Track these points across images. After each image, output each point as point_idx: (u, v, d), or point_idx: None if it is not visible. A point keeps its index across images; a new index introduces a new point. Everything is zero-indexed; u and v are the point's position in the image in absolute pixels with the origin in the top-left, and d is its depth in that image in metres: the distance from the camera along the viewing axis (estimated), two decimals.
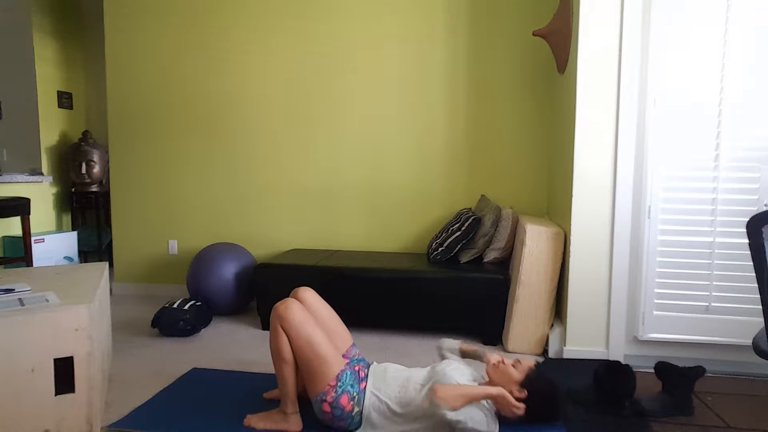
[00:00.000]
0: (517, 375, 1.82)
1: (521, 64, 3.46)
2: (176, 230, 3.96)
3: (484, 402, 1.76)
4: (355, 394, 1.83)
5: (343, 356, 2.00)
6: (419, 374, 1.89)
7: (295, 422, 1.90)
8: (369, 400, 1.83)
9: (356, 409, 1.82)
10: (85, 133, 4.61)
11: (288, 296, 2.23)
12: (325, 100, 3.69)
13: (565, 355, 2.66)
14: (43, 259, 4.00)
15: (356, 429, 1.85)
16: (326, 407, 1.82)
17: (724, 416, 2.06)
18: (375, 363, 2.01)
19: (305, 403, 2.05)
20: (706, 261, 2.49)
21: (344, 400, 1.81)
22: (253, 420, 1.92)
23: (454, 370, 1.83)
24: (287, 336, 1.85)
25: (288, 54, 3.71)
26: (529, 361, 1.89)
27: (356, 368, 1.91)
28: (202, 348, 2.81)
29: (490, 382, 1.86)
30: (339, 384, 1.82)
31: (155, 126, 3.93)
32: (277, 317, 1.86)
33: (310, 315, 1.91)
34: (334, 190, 3.73)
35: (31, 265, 3.47)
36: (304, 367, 1.85)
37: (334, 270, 3.03)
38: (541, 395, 1.81)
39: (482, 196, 3.45)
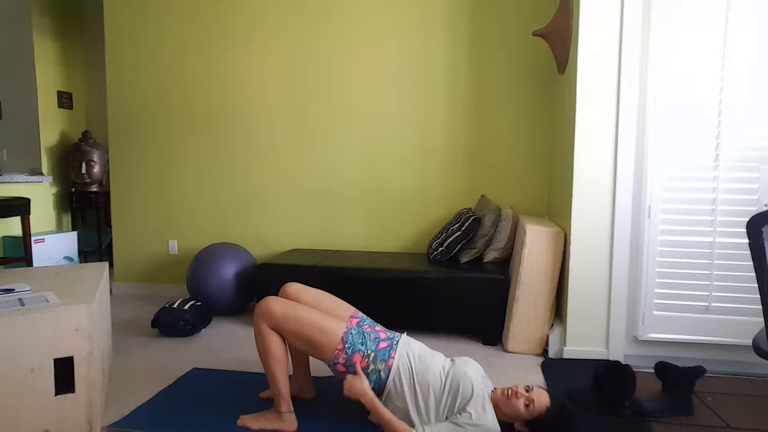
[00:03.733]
0: (526, 416, 1.72)
1: (521, 64, 3.46)
2: (176, 230, 3.96)
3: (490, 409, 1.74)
4: (369, 351, 1.81)
5: (352, 317, 1.99)
6: (439, 364, 1.84)
7: (290, 421, 1.89)
8: (401, 359, 1.81)
9: (372, 367, 1.79)
10: (85, 133, 4.61)
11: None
12: (325, 100, 3.69)
13: (565, 355, 2.66)
14: (43, 259, 4.00)
15: (374, 386, 1.82)
16: (341, 368, 1.82)
17: (724, 416, 2.06)
18: (405, 335, 1.96)
19: (300, 402, 2.05)
20: (706, 261, 2.49)
21: (357, 358, 1.80)
22: (247, 420, 1.92)
23: (472, 368, 1.81)
24: (278, 331, 1.85)
25: (288, 54, 3.71)
26: (542, 402, 1.72)
27: (365, 327, 1.89)
28: (202, 348, 2.81)
29: (496, 406, 1.77)
30: (347, 346, 1.80)
31: (155, 126, 3.93)
32: (260, 317, 1.86)
33: (292, 302, 1.90)
34: (334, 190, 3.73)
35: (31, 265, 3.47)
36: (308, 347, 1.84)
37: (334, 270, 3.03)
38: None
39: (482, 196, 3.45)
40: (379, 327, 1.94)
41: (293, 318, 1.83)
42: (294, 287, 2.06)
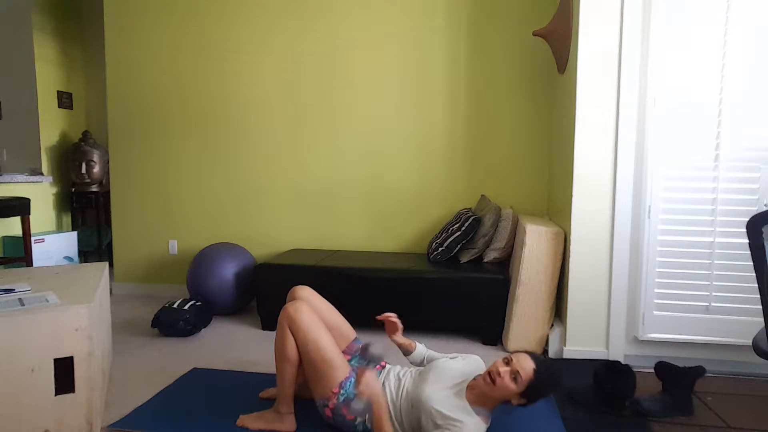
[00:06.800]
0: (518, 389, 1.65)
1: (521, 64, 3.46)
2: (176, 230, 3.96)
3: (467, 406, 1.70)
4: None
5: (344, 352, 1.99)
6: (408, 380, 1.85)
7: (289, 422, 1.90)
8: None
9: (359, 420, 1.80)
10: (85, 133, 4.61)
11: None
12: (325, 100, 3.69)
13: (565, 355, 2.66)
14: (43, 259, 4.00)
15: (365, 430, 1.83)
16: (328, 412, 1.83)
17: (724, 416, 2.06)
18: (389, 366, 1.96)
19: (299, 403, 2.05)
20: (706, 261, 2.49)
21: (345, 410, 1.80)
22: (246, 420, 1.92)
23: (431, 382, 1.76)
24: (294, 338, 1.85)
25: (288, 54, 3.71)
26: (528, 368, 1.64)
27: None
28: (202, 348, 2.81)
29: (483, 396, 1.70)
30: (342, 392, 1.80)
31: (155, 126, 3.93)
32: (287, 318, 1.86)
33: (318, 318, 1.90)
34: (334, 190, 3.73)
35: (31, 265, 3.47)
36: (310, 369, 1.85)
37: (334, 270, 3.03)
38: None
39: (482, 196, 3.45)
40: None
41: (312, 337, 1.83)
42: (305, 293, 2.05)
